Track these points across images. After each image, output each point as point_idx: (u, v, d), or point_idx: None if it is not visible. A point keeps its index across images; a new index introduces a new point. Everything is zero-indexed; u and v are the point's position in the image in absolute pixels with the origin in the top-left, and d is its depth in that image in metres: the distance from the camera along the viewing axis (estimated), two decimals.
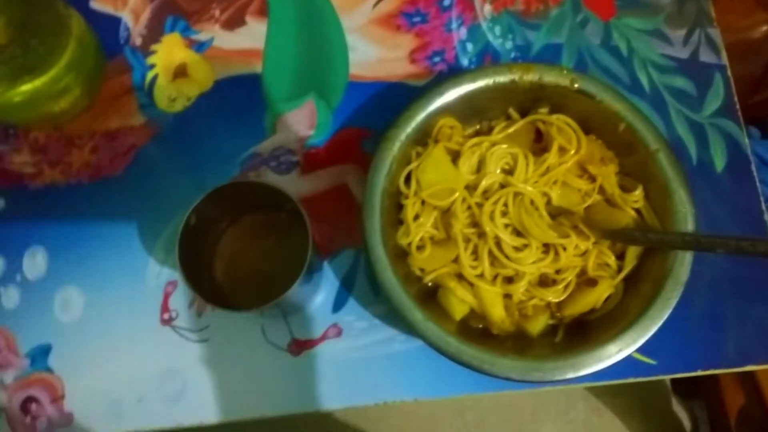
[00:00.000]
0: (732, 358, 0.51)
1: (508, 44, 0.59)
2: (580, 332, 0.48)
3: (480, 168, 0.50)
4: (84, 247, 0.55)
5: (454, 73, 0.52)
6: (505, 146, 0.50)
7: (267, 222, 0.50)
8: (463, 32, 0.60)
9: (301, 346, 0.52)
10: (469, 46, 0.59)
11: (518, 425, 1.00)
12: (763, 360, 0.50)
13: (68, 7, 0.54)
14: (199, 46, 0.60)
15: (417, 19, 0.60)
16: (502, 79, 0.50)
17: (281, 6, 0.61)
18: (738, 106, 0.56)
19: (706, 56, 0.58)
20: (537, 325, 0.48)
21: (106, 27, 0.61)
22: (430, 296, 0.50)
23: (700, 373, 0.50)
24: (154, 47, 0.61)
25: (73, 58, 0.53)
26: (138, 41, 0.61)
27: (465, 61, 0.59)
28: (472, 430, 0.95)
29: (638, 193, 0.48)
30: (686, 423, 0.99)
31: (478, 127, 0.53)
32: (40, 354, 0.53)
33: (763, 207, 0.54)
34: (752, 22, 0.89)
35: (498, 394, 0.52)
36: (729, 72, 0.57)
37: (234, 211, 0.49)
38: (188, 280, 0.42)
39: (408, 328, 0.45)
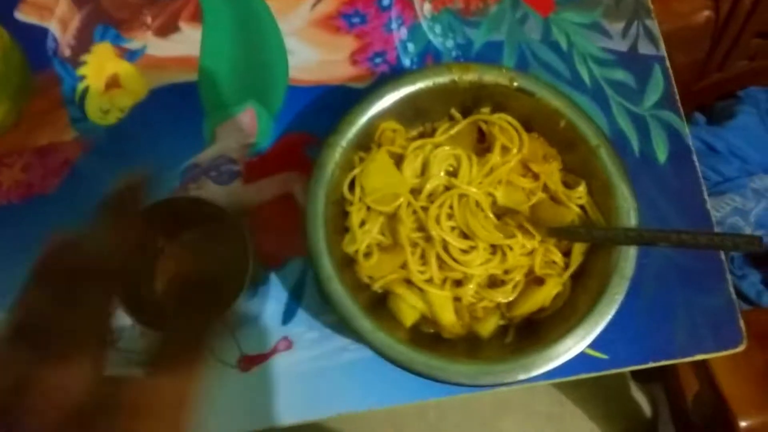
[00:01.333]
0: (682, 348, 0.51)
1: (449, 43, 0.58)
2: (531, 331, 0.48)
3: (424, 171, 0.49)
4: (18, 269, 0.52)
5: (395, 75, 0.51)
6: (448, 148, 0.49)
7: (207, 236, 0.48)
8: (403, 32, 0.59)
9: (250, 361, 0.51)
10: (411, 46, 0.58)
11: (481, 421, 1.00)
12: (712, 348, 0.51)
13: None
14: (132, 55, 0.58)
15: (356, 20, 0.59)
16: (442, 79, 0.49)
17: (216, 10, 0.59)
18: (677, 97, 0.57)
19: (645, 48, 0.58)
20: (488, 326, 0.48)
21: (33, 38, 0.58)
22: (381, 303, 0.49)
23: (651, 364, 0.50)
24: (84, 58, 0.58)
25: None
26: (67, 52, 0.58)
27: (407, 62, 0.58)
28: (435, 430, 0.95)
29: (581, 189, 0.48)
30: (646, 407, 1.01)
31: (421, 129, 0.52)
32: None
33: (705, 196, 0.54)
34: (693, 8, 0.90)
35: None
36: (668, 63, 0.58)
37: (171, 228, 0.47)
38: (124, 304, 0.41)
39: (357, 338, 0.44)
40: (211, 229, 0.48)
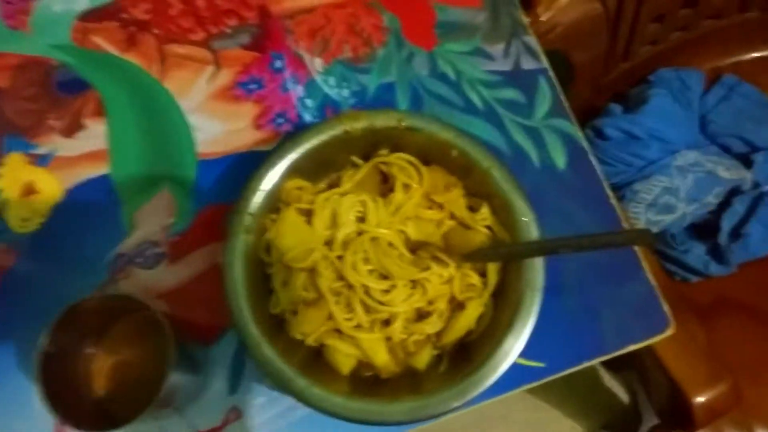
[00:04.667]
0: (612, 342, 0.53)
1: (345, 92, 0.61)
2: (464, 355, 0.49)
3: (334, 221, 0.51)
4: None
5: (291, 135, 0.53)
6: (353, 195, 0.51)
7: (136, 325, 0.49)
8: (300, 90, 0.61)
9: None
10: (309, 102, 0.61)
11: None
12: (641, 337, 0.53)
13: None
14: (43, 160, 0.59)
15: (253, 86, 0.61)
16: (336, 132, 0.51)
17: (117, 103, 0.61)
18: (566, 104, 0.60)
19: (527, 64, 0.61)
20: (422, 359, 0.49)
21: None
22: (319, 355, 0.50)
23: (586, 364, 0.52)
24: None
25: None
26: None
27: (308, 117, 0.60)
28: None
29: (484, 211, 0.51)
30: (623, 396, 1.02)
31: (327, 180, 0.54)
32: None
33: (608, 191, 0.57)
34: (582, 5, 0.93)
35: None
36: (551, 73, 0.61)
37: (98, 325, 0.48)
38: (58, 412, 0.41)
39: (295, 398, 0.45)
40: (143, 316, 0.48)
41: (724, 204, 0.93)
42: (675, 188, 0.92)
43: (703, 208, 0.94)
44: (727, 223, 0.90)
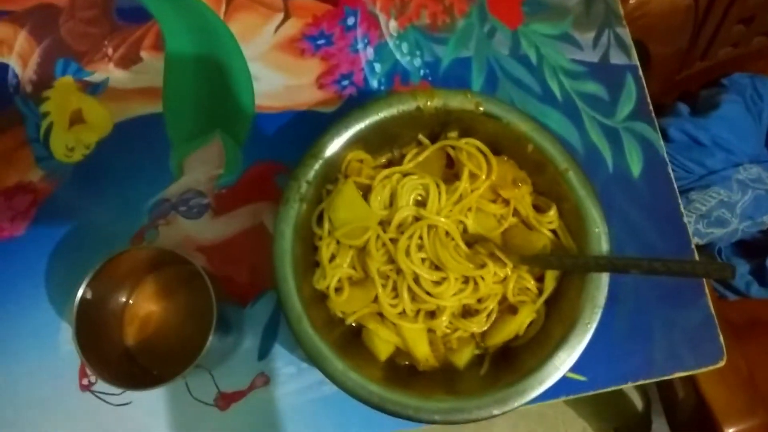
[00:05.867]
0: (661, 366, 0.51)
1: (417, 61, 0.57)
2: (506, 360, 0.47)
3: (392, 202, 0.48)
4: None
5: (359, 104, 0.50)
6: (415, 177, 0.48)
7: (173, 279, 0.48)
8: (370, 52, 0.58)
9: (228, 399, 0.51)
10: (378, 67, 0.57)
11: (474, 427, 1.00)
12: (691, 366, 0.51)
13: None
14: (94, 89, 0.57)
15: (321, 41, 0.58)
16: (407, 107, 0.48)
17: (178, 39, 0.58)
18: (651, 107, 0.56)
19: (616, 58, 0.57)
20: (463, 357, 0.47)
21: None
22: (356, 336, 0.49)
23: (630, 384, 0.50)
24: (46, 93, 0.57)
25: None
26: (29, 88, 0.57)
27: (374, 83, 0.57)
28: None
29: (552, 213, 0.48)
30: (638, 402, 1.01)
31: (389, 155, 0.52)
32: None
33: (681, 209, 0.53)
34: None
35: None
36: (640, 72, 0.57)
37: (135, 275, 0.47)
38: (90, 362, 0.40)
39: (328, 379, 0.44)
40: (179, 270, 0.47)
41: None
42: (732, 203, 0.88)
43: (756, 227, 0.90)
44: None
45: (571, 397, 0.50)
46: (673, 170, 0.89)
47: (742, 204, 0.89)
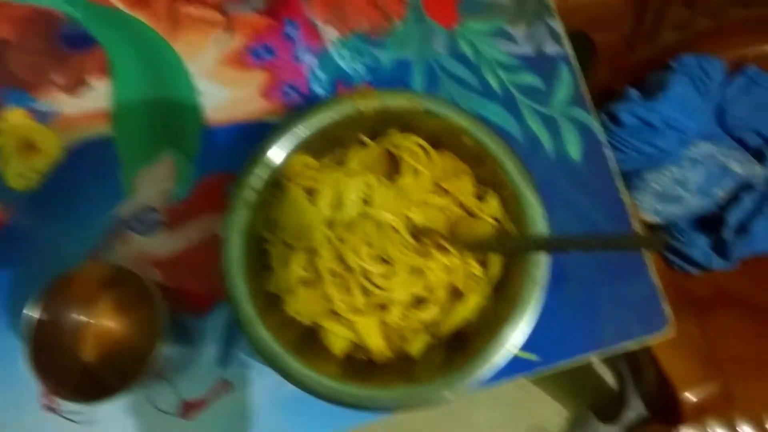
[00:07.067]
0: (609, 339, 0.52)
1: (359, 66, 0.59)
2: (460, 346, 0.49)
3: (339, 202, 0.50)
4: None
5: (301, 110, 0.51)
6: (359, 176, 0.50)
7: (130, 295, 0.48)
8: (312, 61, 0.59)
9: (190, 407, 0.51)
10: (321, 74, 0.59)
11: (450, 416, 1.02)
12: (639, 335, 0.52)
13: None
14: (43, 116, 0.58)
15: (265, 53, 0.59)
16: (348, 110, 0.50)
17: (123, 61, 0.59)
18: (586, 93, 0.58)
19: (550, 49, 0.59)
20: (417, 346, 0.49)
21: None
22: (314, 334, 0.50)
23: (579, 358, 0.52)
24: None
25: None
26: None
27: (319, 90, 0.58)
28: (405, 429, 0.96)
29: (492, 201, 0.49)
30: (611, 380, 1.03)
31: (333, 157, 0.53)
32: None
33: (620, 186, 0.55)
34: None
35: None
36: (574, 60, 0.59)
37: (90, 293, 0.47)
38: (45, 379, 0.41)
39: (285, 379, 0.45)
40: (132, 292, 0.48)
41: (733, 198, 0.92)
42: (685, 180, 0.91)
43: (711, 202, 0.92)
44: (733, 218, 0.89)
45: (529, 376, 0.52)
46: (626, 153, 0.93)
47: (695, 180, 0.91)
